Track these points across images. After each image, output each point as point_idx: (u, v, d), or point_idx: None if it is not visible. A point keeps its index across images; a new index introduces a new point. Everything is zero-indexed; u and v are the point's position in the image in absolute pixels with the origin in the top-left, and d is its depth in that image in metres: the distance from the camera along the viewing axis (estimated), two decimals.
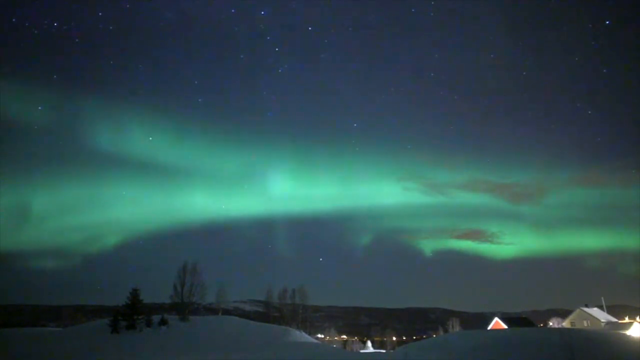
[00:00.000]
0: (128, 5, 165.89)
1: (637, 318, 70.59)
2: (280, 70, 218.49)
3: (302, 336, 53.07)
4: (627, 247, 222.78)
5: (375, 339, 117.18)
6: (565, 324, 64.71)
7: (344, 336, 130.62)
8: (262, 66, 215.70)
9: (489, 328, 60.71)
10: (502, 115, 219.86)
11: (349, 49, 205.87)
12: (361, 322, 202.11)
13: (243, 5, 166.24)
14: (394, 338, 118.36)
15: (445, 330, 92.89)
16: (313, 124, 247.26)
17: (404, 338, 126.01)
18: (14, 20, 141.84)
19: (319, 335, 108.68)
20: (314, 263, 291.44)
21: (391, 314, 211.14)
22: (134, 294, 47.04)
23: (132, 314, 45.55)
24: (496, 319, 64.11)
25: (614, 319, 62.24)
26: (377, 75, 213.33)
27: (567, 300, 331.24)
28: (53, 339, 42.53)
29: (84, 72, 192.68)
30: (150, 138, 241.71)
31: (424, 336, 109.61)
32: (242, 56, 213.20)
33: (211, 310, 78.31)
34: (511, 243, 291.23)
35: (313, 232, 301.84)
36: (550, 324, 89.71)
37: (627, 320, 66.24)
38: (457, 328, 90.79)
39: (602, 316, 61.62)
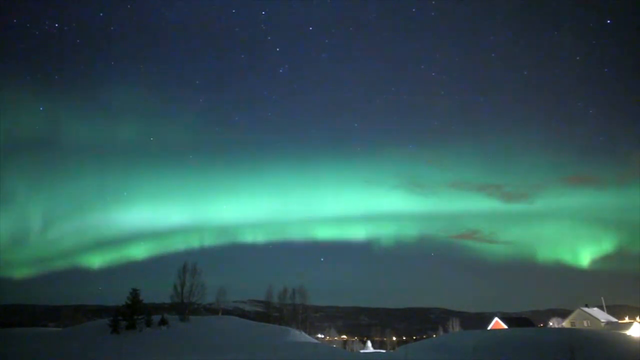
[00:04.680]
0: (129, 6, 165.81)
1: (637, 318, 70.54)
2: (280, 71, 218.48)
3: (302, 336, 53.06)
4: (626, 247, 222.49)
5: (375, 339, 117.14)
6: (565, 324, 64.67)
7: (344, 336, 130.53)
8: (262, 66, 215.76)
9: (489, 328, 60.71)
10: (502, 115, 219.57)
11: (349, 49, 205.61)
12: (361, 322, 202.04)
13: (243, 5, 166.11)
14: (394, 338, 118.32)
15: (445, 330, 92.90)
16: (313, 124, 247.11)
17: (404, 338, 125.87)
18: (15, 21, 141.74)
19: (319, 335, 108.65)
20: (314, 263, 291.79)
21: (391, 314, 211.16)
22: (134, 294, 47.00)
23: (132, 314, 45.52)
24: (496, 319, 64.11)
25: (614, 319, 62.18)
26: (378, 75, 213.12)
27: (567, 300, 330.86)
28: (53, 339, 42.52)
29: (84, 72, 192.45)
30: (152, 138, 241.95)
31: (424, 336, 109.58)
32: (242, 56, 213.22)
33: (211, 310, 78.28)
34: (509, 242, 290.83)
35: (313, 232, 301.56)
36: (550, 324, 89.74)
37: (627, 320, 66.21)
38: (457, 328, 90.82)
39: (602, 316, 61.56)
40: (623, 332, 45.29)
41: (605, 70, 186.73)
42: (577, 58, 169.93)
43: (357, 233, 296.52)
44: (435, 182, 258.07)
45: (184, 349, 37.42)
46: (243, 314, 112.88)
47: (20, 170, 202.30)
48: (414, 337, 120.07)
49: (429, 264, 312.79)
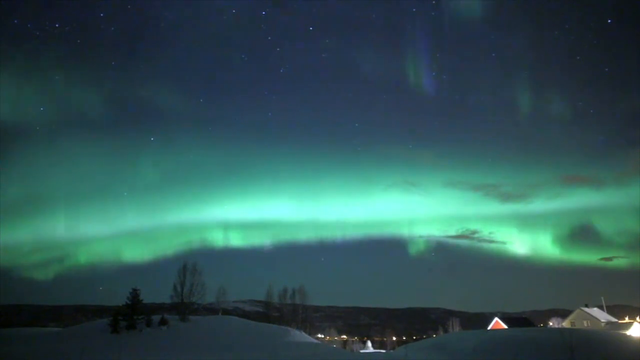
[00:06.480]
0: (129, 6, 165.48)
1: (637, 318, 70.57)
2: (281, 71, 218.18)
3: (302, 336, 53.07)
4: (625, 246, 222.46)
5: (375, 339, 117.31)
6: (565, 324, 64.70)
7: (344, 336, 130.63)
8: (263, 66, 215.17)
9: (489, 328, 60.73)
10: (501, 114, 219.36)
11: (349, 49, 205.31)
12: (361, 322, 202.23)
13: (244, 5, 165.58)
14: (394, 338, 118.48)
15: (445, 330, 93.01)
16: (313, 124, 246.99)
17: (404, 338, 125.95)
18: (15, 21, 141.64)
19: (319, 335, 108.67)
20: (314, 263, 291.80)
21: (391, 314, 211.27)
22: (134, 294, 47.00)
23: (132, 314, 45.51)
24: (496, 319, 64.13)
25: (614, 319, 62.25)
26: (378, 75, 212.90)
27: (567, 300, 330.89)
28: (53, 339, 42.53)
29: (85, 73, 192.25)
30: (152, 138, 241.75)
31: (424, 336, 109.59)
32: (242, 56, 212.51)
33: (211, 310, 78.30)
34: (508, 242, 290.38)
35: (312, 232, 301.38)
36: (550, 324, 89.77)
37: (627, 320, 66.27)
38: (457, 328, 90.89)
39: (602, 316, 61.63)
40: (623, 332, 45.32)
41: (606, 70, 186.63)
42: (577, 58, 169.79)
43: (357, 233, 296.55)
44: (433, 181, 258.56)
45: (184, 349, 37.44)
46: (243, 314, 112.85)
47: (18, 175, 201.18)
48: (414, 337, 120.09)
49: (429, 264, 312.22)
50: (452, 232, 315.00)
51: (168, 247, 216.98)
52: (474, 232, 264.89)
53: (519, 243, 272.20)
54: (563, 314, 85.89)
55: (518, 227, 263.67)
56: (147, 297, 49.84)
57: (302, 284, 73.59)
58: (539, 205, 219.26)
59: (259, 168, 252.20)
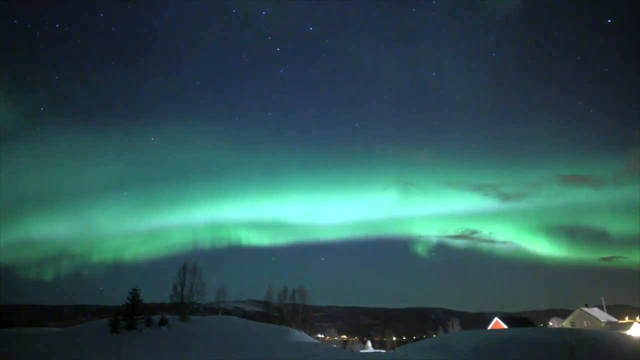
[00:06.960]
0: (129, 6, 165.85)
1: (637, 318, 70.59)
2: (281, 71, 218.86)
3: (302, 336, 53.05)
4: (625, 246, 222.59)
5: (375, 339, 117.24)
6: (565, 324, 64.68)
7: (344, 336, 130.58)
8: (263, 66, 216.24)
9: (489, 328, 60.70)
10: (501, 114, 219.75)
11: (349, 49, 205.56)
12: (361, 322, 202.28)
13: (244, 6, 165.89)
14: (394, 338, 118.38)
15: (445, 330, 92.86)
16: (313, 124, 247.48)
17: (404, 338, 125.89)
18: (15, 21, 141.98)
19: (319, 335, 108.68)
20: (314, 263, 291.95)
21: (391, 314, 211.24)
22: (134, 294, 47.01)
23: (132, 314, 45.52)
24: (496, 319, 64.09)
25: (614, 319, 62.23)
26: (378, 75, 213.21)
27: (567, 300, 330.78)
28: (53, 339, 42.52)
29: (85, 72, 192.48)
30: (152, 138, 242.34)
31: (424, 336, 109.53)
32: (243, 56, 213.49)
33: (211, 310, 78.30)
34: (507, 242, 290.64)
35: (313, 232, 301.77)
36: (550, 324, 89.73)
37: (627, 320, 66.26)
38: (457, 328, 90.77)
39: (602, 316, 61.61)
40: (623, 332, 45.32)
41: (606, 70, 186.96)
42: (578, 57, 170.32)
43: (357, 233, 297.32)
44: (433, 181, 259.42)
45: (184, 349, 37.42)
46: (243, 314, 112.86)
47: (18, 175, 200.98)
48: (414, 337, 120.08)
49: (429, 264, 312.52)
50: (452, 232, 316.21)
51: (168, 247, 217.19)
52: (474, 232, 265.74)
53: (519, 243, 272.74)
54: (563, 314, 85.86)
55: (518, 226, 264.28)
56: (147, 297, 49.96)
57: (302, 284, 73.61)
58: (539, 205, 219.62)
59: (258, 168, 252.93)
